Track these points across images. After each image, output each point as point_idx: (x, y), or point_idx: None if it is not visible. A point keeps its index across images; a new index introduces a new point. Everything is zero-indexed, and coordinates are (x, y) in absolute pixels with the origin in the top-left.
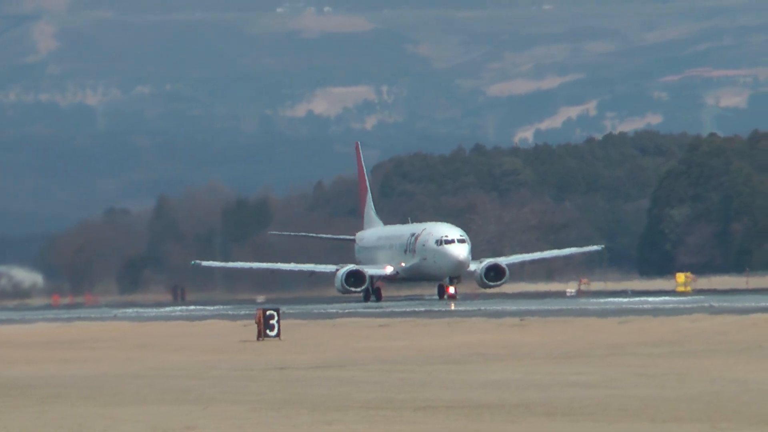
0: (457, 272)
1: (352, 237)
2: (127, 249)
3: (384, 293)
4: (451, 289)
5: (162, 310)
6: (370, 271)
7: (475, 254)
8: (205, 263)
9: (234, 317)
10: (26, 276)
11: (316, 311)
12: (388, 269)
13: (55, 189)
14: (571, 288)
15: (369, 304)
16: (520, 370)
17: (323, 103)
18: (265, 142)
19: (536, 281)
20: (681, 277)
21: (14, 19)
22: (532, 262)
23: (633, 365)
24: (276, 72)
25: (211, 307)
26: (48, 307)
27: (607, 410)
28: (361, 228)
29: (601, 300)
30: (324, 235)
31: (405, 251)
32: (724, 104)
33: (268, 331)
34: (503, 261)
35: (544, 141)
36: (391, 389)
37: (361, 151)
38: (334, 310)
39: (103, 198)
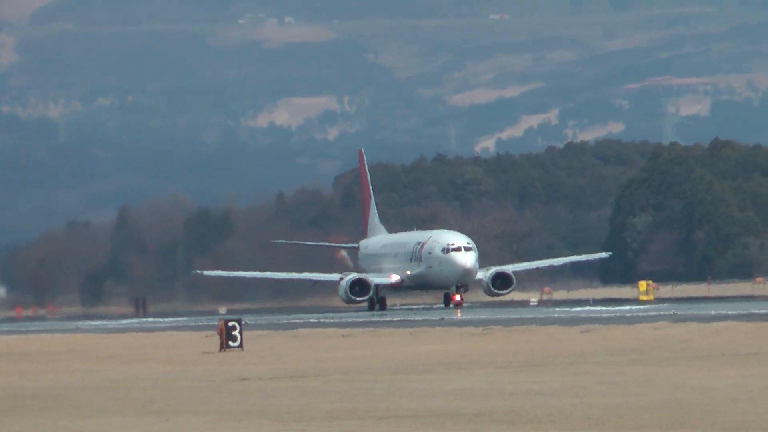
0: (463, 280)
1: (356, 245)
2: (89, 261)
3: (389, 301)
4: (458, 297)
5: (124, 321)
6: (375, 279)
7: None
8: (207, 273)
9: (196, 328)
10: None
11: (279, 322)
12: (394, 277)
13: (17, 201)
14: (533, 297)
15: (374, 312)
16: (483, 378)
17: (285, 114)
18: (227, 153)
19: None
20: (643, 285)
21: None
22: (539, 269)
23: (596, 373)
24: (238, 83)
25: (174, 319)
26: (11, 319)
27: (570, 418)
28: (364, 236)
29: (564, 309)
30: (327, 244)
31: (410, 259)
32: (686, 112)
33: (230, 342)
34: (510, 269)
35: (506, 150)
36: (354, 399)
37: (365, 158)
38: (299, 321)
39: (65, 210)
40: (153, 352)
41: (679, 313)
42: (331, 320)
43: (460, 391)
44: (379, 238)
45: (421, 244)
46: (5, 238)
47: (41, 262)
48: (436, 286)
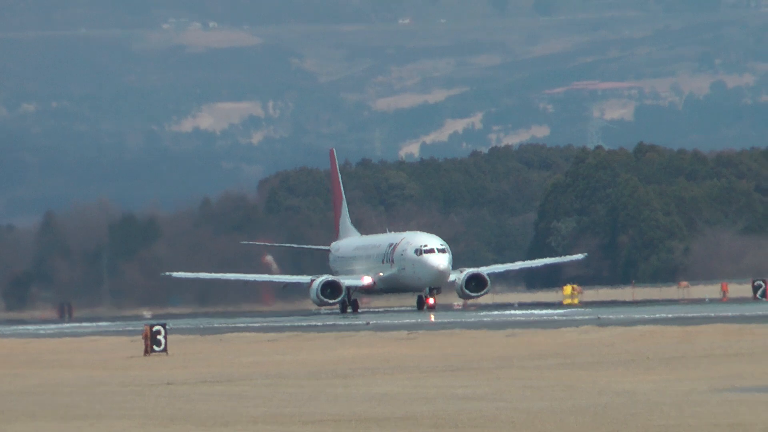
0: (437, 283)
1: (326, 247)
2: (14, 266)
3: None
4: (431, 300)
5: (49, 326)
6: (346, 281)
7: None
8: (176, 274)
9: (121, 333)
10: None
11: (203, 326)
12: (366, 280)
13: None
14: (458, 301)
15: (346, 315)
16: (408, 383)
17: (209, 119)
18: (151, 158)
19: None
20: (568, 289)
21: None
22: (512, 271)
23: (521, 378)
24: (162, 87)
25: (99, 324)
26: None
27: (494, 423)
28: (335, 238)
29: (489, 313)
30: (300, 246)
31: (383, 261)
32: (610, 116)
33: (155, 347)
34: (485, 271)
35: (430, 155)
36: (278, 404)
37: (336, 159)
38: (223, 326)
39: None
40: (78, 357)
41: (603, 317)
42: (258, 324)
43: (384, 396)
44: (350, 240)
45: (394, 246)
46: None
47: None
48: (409, 288)
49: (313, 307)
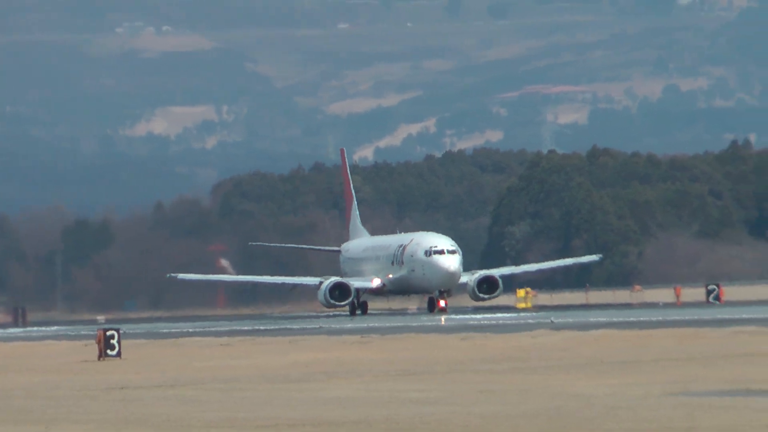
0: (447, 285)
1: (337, 248)
2: None
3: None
4: (442, 303)
5: (2, 331)
6: (355, 283)
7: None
8: (181, 276)
9: (75, 337)
10: None
11: (157, 331)
12: (375, 282)
13: None
14: (412, 305)
15: (355, 317)
16: (362, 387)
17: (163, 123)
18: (105, 163)
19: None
20: (522, 293)
21: None
22: (526, 273)
23: (475, 381)
24: (116, 92)
25: (53, 328)
26: None
27: (448, 427)
28: (346, 239)
29: (443, 316)
30: (310, 247)
31: (392, 263)
32: (564, 120)
33: (109, 351)
34: (497, 273)
35: (384, 159)
36: (232, 408)
37: (347, 158)
38: (177, 330)
39: None
40: (31, 362)
41: (557, 321)
42: (211, 329)
43: (338, 400)
44: (360, 241)
45: (403, 247)
46: None
47: None
48: (419, 290)
49: (322, 309)
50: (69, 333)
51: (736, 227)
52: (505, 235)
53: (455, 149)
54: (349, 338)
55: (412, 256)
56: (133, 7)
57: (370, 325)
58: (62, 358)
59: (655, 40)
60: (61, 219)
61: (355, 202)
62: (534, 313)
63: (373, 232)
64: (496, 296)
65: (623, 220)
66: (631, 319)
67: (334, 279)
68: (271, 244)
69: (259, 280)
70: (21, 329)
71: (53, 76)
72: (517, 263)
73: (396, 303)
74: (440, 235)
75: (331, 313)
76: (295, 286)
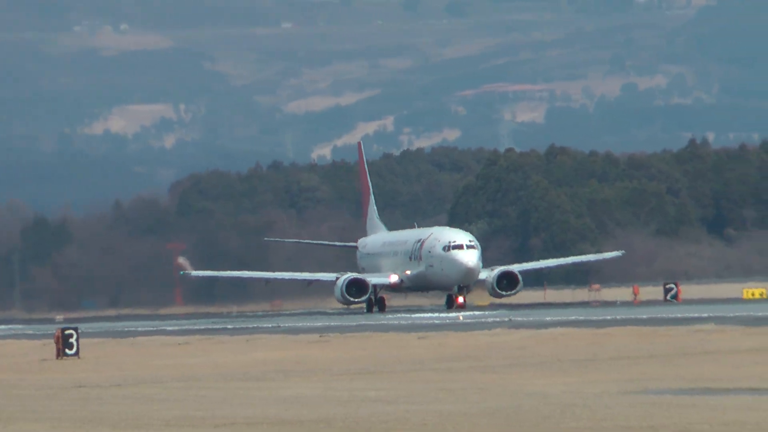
0: (466, 280)
1: (353, 244)
2: None
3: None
4: (460, 299)
5: None
6: (372, 279)
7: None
8: (195, 272)
9: (33, 336)
10: None
11: (115, 329)
12: (393, 278)
13: None
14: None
15: (372, 315)
16: (320, 386)
17: (121, 122)
18: (63, 161)
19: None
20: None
21: None
22: (548, 269)
23: (433, 380)
24: (74, 90)
25: (10, 326)
26: None
27: (406, 425)
28: (363, 233)
29: (401, 315)
30: (325, 242)
31: (410, 258)
32: (522, 119)
33: (67, 350)
34: (517, 268)
35: (342, 157)
36: (190, 407)
37: (363, 152)
38: (135, 329)
39: None
40: None
41: (515, 319)
42: (170, 328)
43: (296, 399)
44: (378, 236)
45: (421, 242)
46: None
47: None
48: (437, 286)
49: (338, 306)
50: (27, 332)
51: (694, 226)
52: None
53: (413, 148)
54: (308, 337)
55: (430, 251)
56: (91, 6)
57: (329, 324)
58: (20, 357)
59: (613, 38)
60: (20, 218)
61: (372, 197)
62: (492, 312)
63: (331, 232)
64: (517, 292)
65: (581, 218)
66: (589, 317)
67: (350, 275)
68: (285, 240)
69: (275, 276)
70: None
71: (11, 74)
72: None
73: (411, 300)
74: (459, 230)
75: (348, 311)
76: (311, 282)
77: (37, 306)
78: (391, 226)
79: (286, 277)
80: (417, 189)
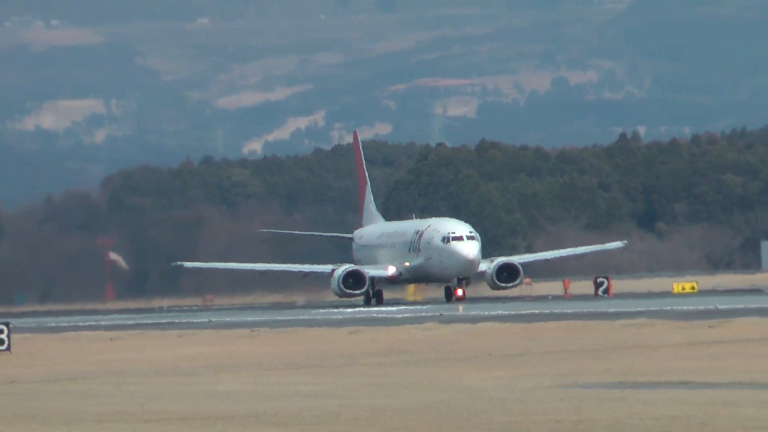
0: (466, 272)
1: (350, 235)
2: None
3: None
4: (460, 292)
5: None
6: (370, 271)
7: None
8: (188, 264)
9: None
10: None
11: (47, 325)
12: (390, 270)
13: None
14: (301, 299)
15: (370, 308)
16: (251, 381)
17: (52, 117)
18: None
19: (265, 292)
20: (411, 287)
21: None
22: (547, 261)
23: (364, 375)
24: (4, 86)
25: None
26: None
27: (338, 420)
28: (359, 225)
29: (332, 310)
30: (324, 233)
31: (409, 250)
32: (452, 113)
33: None
34: (517, 260)
35: (273, 152)
36: (122, 402)
37: (359, 141)
38: (67, 324)
39: None
40: None
41: (446, 314)
42: (101, 323)
43: (227, 394)
44: (374, 227)
45: (420, 234)
46: None
47: None
48: (436, 278)
49: (334, 298)
50: None
51: (625, 220)
52: None
53: (344, 142)
54: (239, 332)
55: (429, 242)
56: (22, 1)
57: (260, 318)
58: None
59: (544, 33)
60: None
61: (368, 187)
62: (423, 306)
63: (262, 227)
64: (517, 285)
65: (512, 213)
66: (520, 312)
67: (347, 266)
68: (283, 231)
69: (271, 268)
70: None
71: None
72: None
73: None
74: (459, 221)
75: (344, 303)
76: (307, 273)
77: None
78: (322, 221)
79: (281, 269)
80: (348, 184)
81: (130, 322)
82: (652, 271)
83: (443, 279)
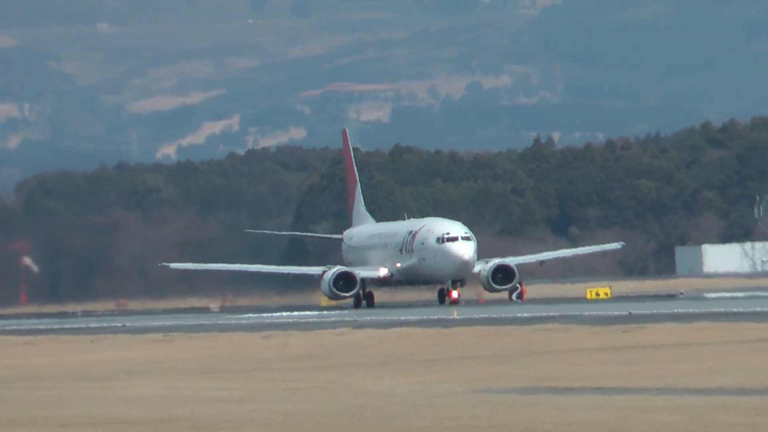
0: (461, 274)
1: (339, 236)
2: None
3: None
4: (455, 294)
5: None
6: (361, 273)
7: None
8: (173, 265)
9: None
10: None
11: None
12: (382, 271)
13: None
14: (215, 304)
15: (360, 310)
16: (165, 385)
17: None
18: None
19: (179, 297)
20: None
21: None
22: (546, 261)
23: (277, 380)
24: None
25: None
26: None
27: (251, 425)
28: (348, 225)
29: (246, 315)
30: (313, 234)
31: (401, 251)
32: (367, 118)
33: None
34: (512, 261)
35: (187, 157)
36: (35, 406)
37: (349, 139)
38: None
39: None
40: None
41: (359, 319)
42: (14, 327)
43: (141, 398)
44: (365, 228)
45: (413, 234)
46: None
47: None
48: (430, 280)
49: (324, 300)
50: None
51: (539, 225)
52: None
53: (258, 147)
54: (152, 336)
55: (423, 243)
56: None
57: (174, 323)
58: None
59: (458, 38)
60: None
61: (358, 186)
62: (337, 311)
63: (176, 232)
64: (512, 286)
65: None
66: (434, 317)
67: (338, 268)
68: (270, 232)
69: (263, 270)
70: None
71: None
72: (319, 261)
73: (400, 295)
74: (453, 221)
75: (335, 305)
76: (296, 276)
77: None
78: (235, 227)
79: (270, 271)
80: (262, 189)
81: (43, 327)
82: (566, 277)
83: (437, 281)
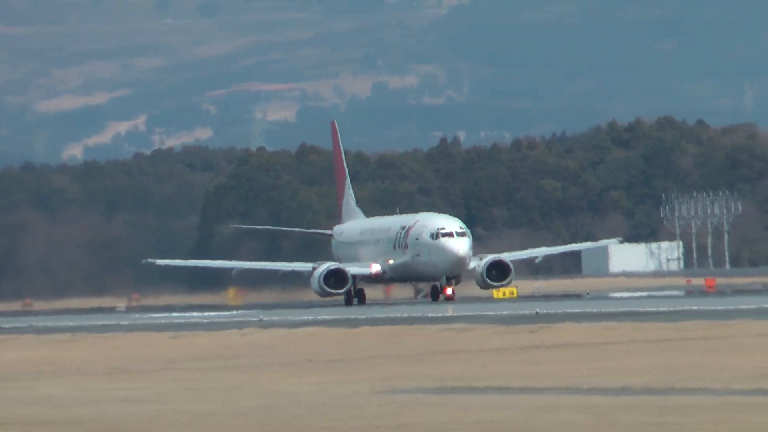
0: (456, 270)
1: (329, 232)
2: None
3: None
4: (449, 291)
5: None
6: (352, 270)
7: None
8: (159, 261)
9: None
10: None
11: None
12: (374, 268)
13: None
14: (121, 303)
15: (351, 307)
16: (70, 386)
17: None
18: None
19: (85, 296)
20: (232, 291)
21: None
22: (535, 258)
23: (183, 380)
24: None
25: None
26: None
27: (157, 425)
28: (338, 220)
29: (153, 315)
30: (298, 230)
31: (394, 247)
32: (273, 118)
33: None
34: (507, 257)
35: (93, 157)
36: None
37: (338, 130)
38: None
39: None
40: None
41: (266, 318)
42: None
43: (47, 399)
44: (356, 223)
45: (407, 229)
46: None
47: None
48: (424, 277)
49: (314, 298)
50: None
51: None
52: (214, 234)
53: (164, 147)
54: (58, 336)
55: (417, 239)
56: None
57: (80, 323)
58: None
59: (364, 37)
60: None
61: (348, 180)
62: (244, 311)
63: (82, 233)
64: (508, 283)
65: (332, 219)
66: (340, 317)
67: (328, 265)
68: (259, 227)
69: (249, 266)
70: None
71: None
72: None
73: (394, 292)
74: (448, 216)
75: (326, 303)
76: (284, 273)
77: None
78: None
79: (258, 267)
80: (168, 189)
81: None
82: (472, 276)
83: (432, 277)
